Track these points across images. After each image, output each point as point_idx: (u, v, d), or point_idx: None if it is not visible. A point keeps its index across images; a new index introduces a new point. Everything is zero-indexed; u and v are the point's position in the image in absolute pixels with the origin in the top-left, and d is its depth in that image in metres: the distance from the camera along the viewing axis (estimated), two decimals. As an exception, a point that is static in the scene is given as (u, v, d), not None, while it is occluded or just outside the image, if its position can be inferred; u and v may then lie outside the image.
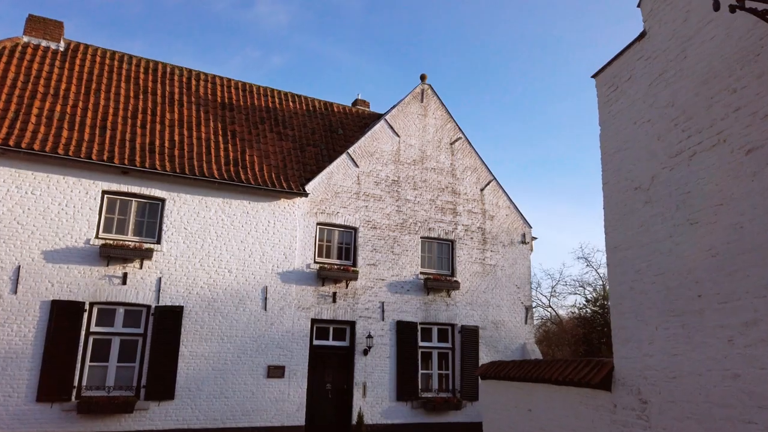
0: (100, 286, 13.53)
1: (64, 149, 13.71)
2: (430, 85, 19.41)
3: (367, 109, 21.74)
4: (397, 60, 78.34)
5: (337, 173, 17.00)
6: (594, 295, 35.97)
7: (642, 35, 7.25)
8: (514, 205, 19.79)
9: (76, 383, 12.89)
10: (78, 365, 13.00)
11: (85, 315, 13.30)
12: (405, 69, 76.16)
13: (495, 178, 19.65)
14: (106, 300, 13.56)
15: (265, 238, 15.57)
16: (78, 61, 16.46)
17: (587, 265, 47.79)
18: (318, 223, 16.44)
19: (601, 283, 38.57)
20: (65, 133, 14.18)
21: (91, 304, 13.47)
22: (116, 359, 13.53)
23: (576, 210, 59.63)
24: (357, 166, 17.34)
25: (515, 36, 76.91)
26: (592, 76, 8.18)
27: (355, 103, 21.83)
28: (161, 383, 13.64)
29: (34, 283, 12.94)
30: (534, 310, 29.82)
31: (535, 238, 20.08)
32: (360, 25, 78.91)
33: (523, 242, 19.67)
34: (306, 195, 16.10)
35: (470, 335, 17.78)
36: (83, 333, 13.23)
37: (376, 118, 21.07)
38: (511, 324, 18.73)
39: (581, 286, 41.84)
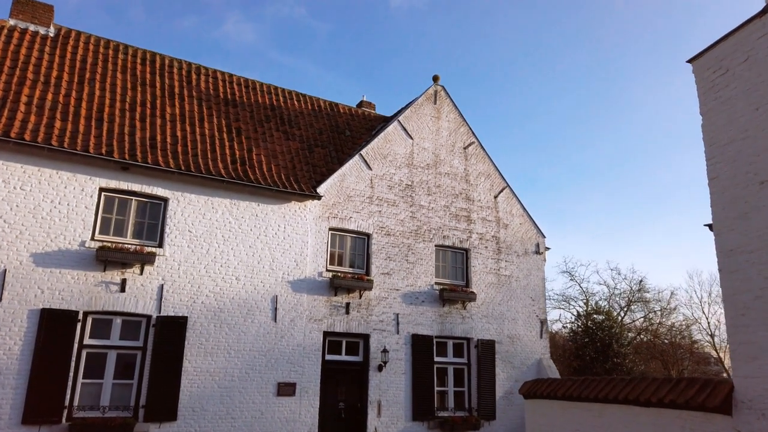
0: (96, 294, 12.12)
1: (58, 141, 12.32)
2: (443, 87, 18.53)
3: (372, 111, 20.75)
4: (367, 75, 78.21)
5: (349, 175, 15.91)
6: (585, 309, 35.42)
7: (764, 11, 6.44)
8: (528, 214, 18.98)
9: (67, 403, 11.43)
10: (69, 382, 11.55)
11: (79, 326, 11.87)
12: (376, 84, 75.83)
13: (508, 185, 18.83)
14: (102, 309, 12.15)
15: (275, 243, 14.35)
16: (70, 48, 15.06)
17: (571, 279, 47.57)
18: (330, 228, 15.29)
19: (584, 297, 38.07)
20: (58, 124, 12.78)
21: (86, 314, 12.04)
22: (112, 376, 12.10)
23: (555, 225, 59.49)
24: (370, 168, 16.29)
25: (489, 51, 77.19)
26: (689, 61, 7.33)
27: (361, 104, 20.82)
28: (162, 403, 12.25)
29: (22, 290, 11.47)
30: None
31: (548, 249, 19.30)
32: (329, 44, 78.84)
33: (537, 252, 18.84)
34: (319, 198, 14.96)
35: (487, 350, 16.79)
36: (76, 346, 11.79)
37: (383, 120, 20.12)
38: (527, 338, 17.81)
39: (565, 301, 41.39)
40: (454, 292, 16.41)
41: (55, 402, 11.27)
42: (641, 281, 37.81)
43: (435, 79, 18.53)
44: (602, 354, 28.64)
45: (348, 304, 14.89)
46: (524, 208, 18.94)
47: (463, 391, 16.35)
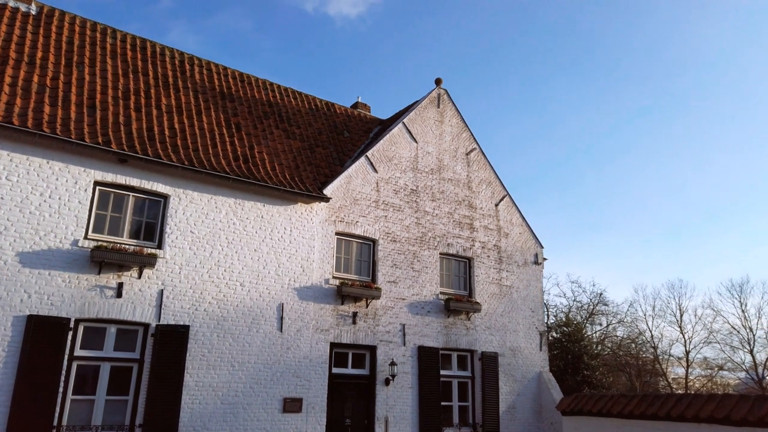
0: (89, 299, 10.83)
1: (50, 127, 11.01)
2: (445, 90, 17.98)
3: (368, 113, 19.98)
4: (318, 88, 78.26)
5: (356, 178, 15.08)
6: (547, 321, 35.48)
7: None
8: (527, 223, 18.61)
9: (55, 422, 10.10)
10: (59, 399, 10.21)
11: (70, 335, 10.55)
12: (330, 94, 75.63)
13: (508, 194, 18.41)
14: (96, 316, 10.86)
15: (281, 248, 13.35)
16: (54, 28, 13.66)
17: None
18: (336, 233, 14.39)
19: (546, 310, 38.18)
20: (47, 109, 11.45)
21: (77, 321, 10.73)
22: (105, 391, 10.82)
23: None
24: (376, 171, 15.50)
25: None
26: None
27: (356, 106, 20.02)
28: (161, 421, 11.02)
29: (6, 293, 10.09)
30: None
31: (546, 259, 18.96)
32: (276, 56, 78.76)
33: (536, 262, 18.47)
34: (327, 200, 14.06)
35: (490, 363, 16.20)
36: (66, 357, 10.45)
37: (379, 123, 19.41)
38: (528, 350, 17.35)
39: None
40: (460, 303, 15.77)
41: (41, 421, 9.92)
42: (601, 294, 38.25)
43: (437, 82, 17.96)
44: (572, 366, 28.44)
45: (355, 314, 14.01)
46: (523, 218, 18.57)
47: (467, 405, 15.68)
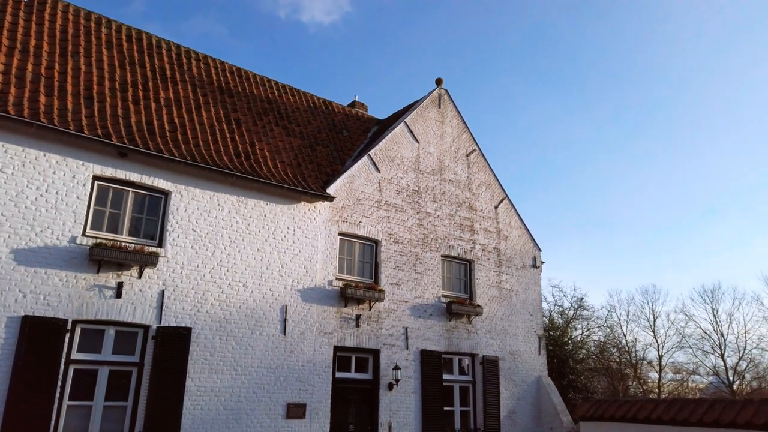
0: (87, 299, 10.27)
1: (47, 118, 10.44)
2: (446, 91, 17.74)
3: (365, 112, 19.66)
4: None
5: (359, 177, 14.72)
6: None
7: None
8: (525, 226, 18.45)
9: (51, 429, 9.53)
10: (55, 404, 9.64)
11: (67, 337, 9.98)
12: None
13: (507, 196, 18.24)
14: (94, 318, 10.30)
15: (284, 248, 12.93)
16: (47, 16, 13.06)
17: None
18: (339, 233, 14.02)
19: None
20: (43, 99, 10.88)
21: (75, 323, 10.16)
22: (104, 396, 10.26)
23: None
24: (378, 171, 15.17)
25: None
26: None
27: (353, 104, 19.68)
28: (162, 428, 10.50)
29: (0, 293, 9.50)
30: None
31: (543, 262, 18.82)
32: (249, 63, 78.69)
33: (535, 266, 18.33)
34: (331, 199, 13.68)
35: (491, 367, 15.96)
36: (63, 361, 9.88)
37: (376, 123, 19.10)
38: (527, 354, 17.16)
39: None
40: (462, 306, 15.51)
41: (37, 427, 9.36)
42: (581, 299, 38.44)
43: (438, 82, 17.71)
44: (557, 370, 28.34)
45: (359, 317, 13.64)
46: (522, 220, 18.42)
47: (469, 410, 15.41)
